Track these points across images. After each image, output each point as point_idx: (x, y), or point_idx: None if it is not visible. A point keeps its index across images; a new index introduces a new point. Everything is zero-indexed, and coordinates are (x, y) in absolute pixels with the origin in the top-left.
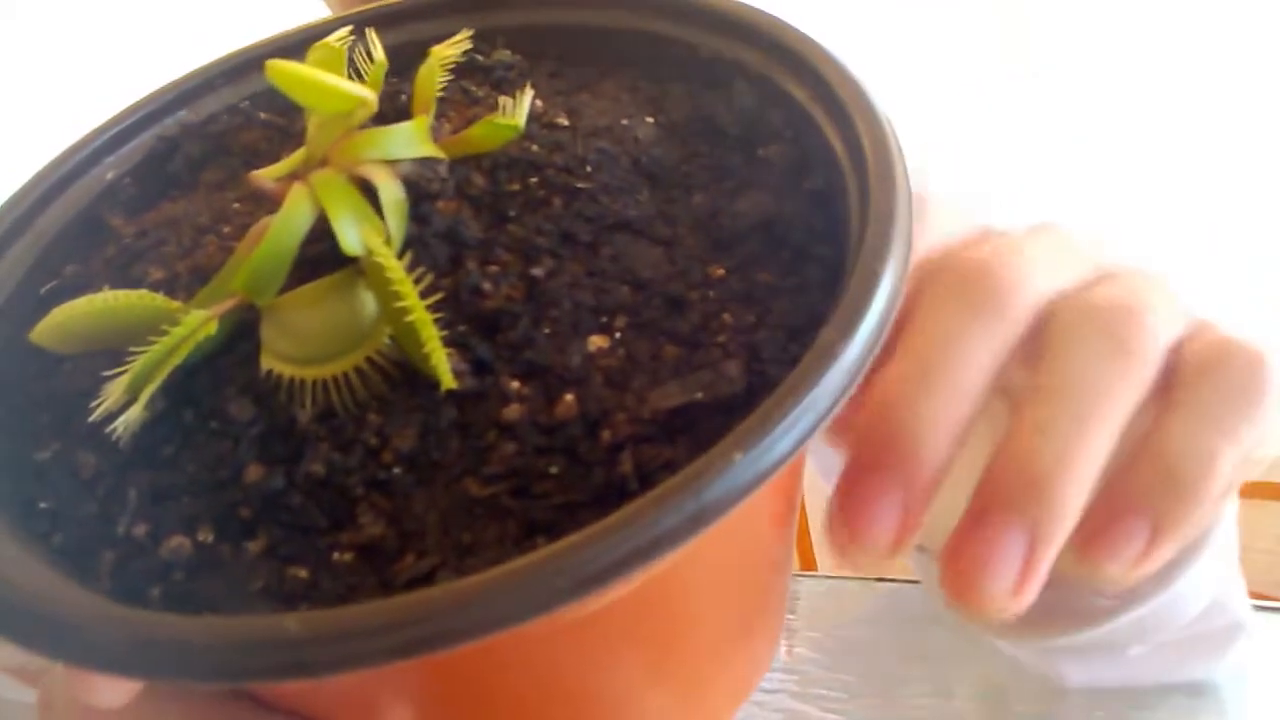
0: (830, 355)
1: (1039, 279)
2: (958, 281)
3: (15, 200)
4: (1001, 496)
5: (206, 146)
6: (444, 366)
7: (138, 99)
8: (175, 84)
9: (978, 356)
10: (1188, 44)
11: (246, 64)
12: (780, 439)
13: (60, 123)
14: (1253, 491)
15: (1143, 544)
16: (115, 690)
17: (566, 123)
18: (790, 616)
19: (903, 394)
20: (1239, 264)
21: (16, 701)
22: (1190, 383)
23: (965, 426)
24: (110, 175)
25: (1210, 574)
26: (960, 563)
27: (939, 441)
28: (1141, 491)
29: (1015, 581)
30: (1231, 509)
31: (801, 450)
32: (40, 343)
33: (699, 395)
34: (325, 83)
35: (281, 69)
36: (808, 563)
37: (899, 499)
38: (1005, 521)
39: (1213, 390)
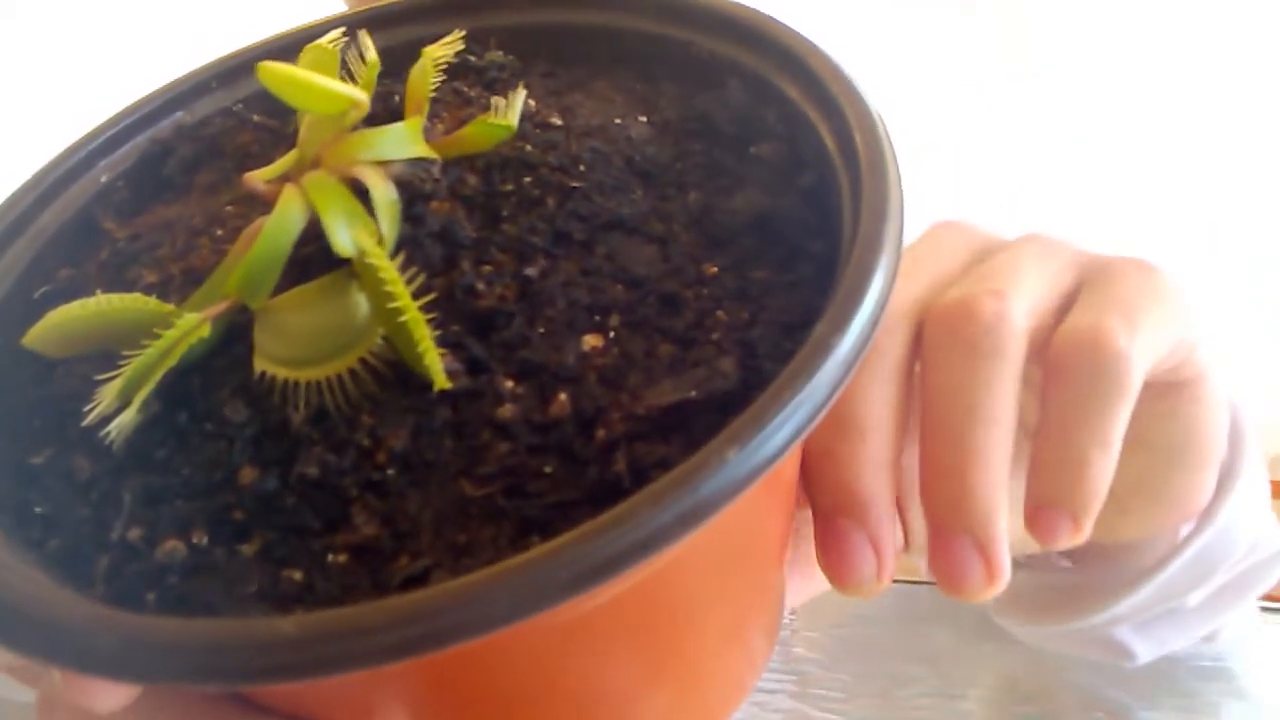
0: (825, 350)
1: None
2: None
3: (10, 204)
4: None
5: (200, 149)
6: (437, 366)
7: (132, 102)
8: (169, 86)
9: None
10: (1188, 44)
11: (240, 66)
12: (775, 434)
13: (58, 123)
14: None
15: (1067, 526)
16: (113, 694)
17: (560, 122)
18: (790, 616)
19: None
20: (1239, 264)
21: (17, 702)
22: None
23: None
24: (105, 178)
25: (1251, 501)
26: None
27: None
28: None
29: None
30: (1257, 440)
31: (797, 445)
32: (34, 347)
33: (693, 393)
34: (316, 84)
35: (273, 71)
36: None
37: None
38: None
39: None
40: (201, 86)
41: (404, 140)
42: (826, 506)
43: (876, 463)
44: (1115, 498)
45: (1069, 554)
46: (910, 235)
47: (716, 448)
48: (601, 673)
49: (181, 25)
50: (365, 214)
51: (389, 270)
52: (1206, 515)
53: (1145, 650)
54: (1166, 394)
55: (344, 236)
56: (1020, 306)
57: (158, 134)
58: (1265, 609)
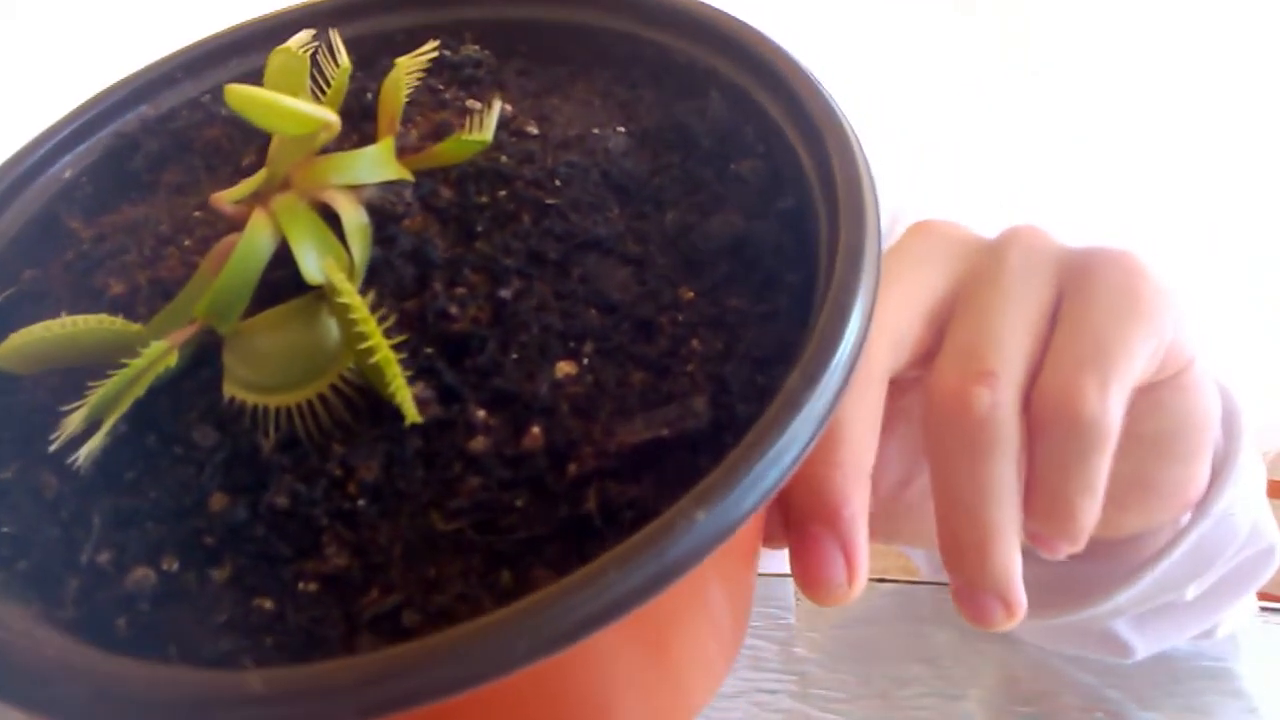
0: (795, 407)
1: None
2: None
3: None
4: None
5: (167, 144)
6: (409, 405)
7: (96, 93)
8: (134, 77)
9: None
10: (1187, 43)
11: (207, 56)
12: (744, 496)
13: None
14: None
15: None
16: None
17: (536, 131)
18: (790, 617)
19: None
20: (1239, 263)
21: None
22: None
23: (868, 460)
24: (68, 174)
25: (1248, 489)
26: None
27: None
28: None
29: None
30: (1252, 433)
31: (766, 503)
32: (0, 366)
33: (665, 431)
34: (286, 106)
35: (241, 94)
36: None
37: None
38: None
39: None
40: (167, 77)
41: (376, 164)
42: (799, 512)
43: (851, 471)
44: (1112, 495)
45: None
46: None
47: (684, 509)
48: (572, 709)
49: (176, 20)
50: (335, 240)
51: (360, 309)
52: (1204, 504)
53: (1143, 645)
54: (1153, 390)
55: (313, 264)
56: (1009, 389)
57: (123, 128)
58: (1265, 609)
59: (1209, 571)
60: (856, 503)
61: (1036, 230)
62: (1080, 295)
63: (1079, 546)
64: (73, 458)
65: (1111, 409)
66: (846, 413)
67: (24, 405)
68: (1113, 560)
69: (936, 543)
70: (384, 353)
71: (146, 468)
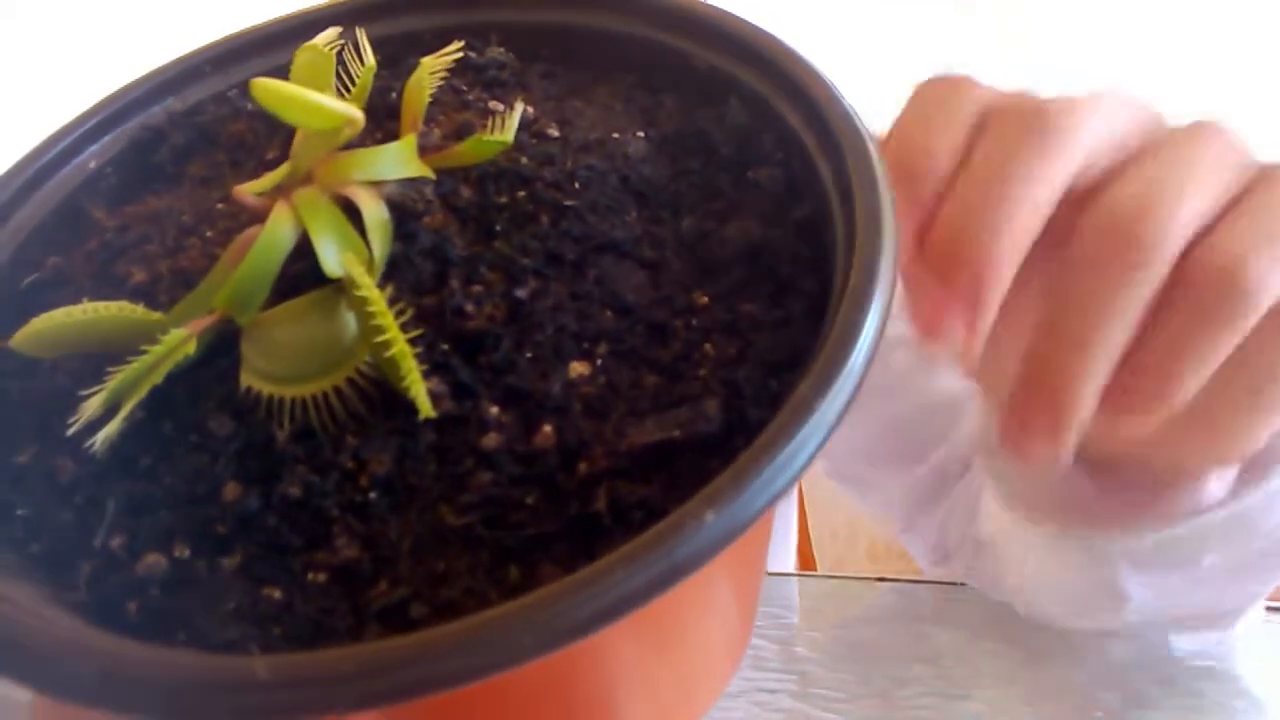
0: (806, 412)
1: (1091, 125)
2: (1016, 118)
3: None
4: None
5: (192, 137)
6: (424, 399)
7: (123, 85)
8: (161, 70)
9: (1032, 185)
10: (1187, 44)
11: (234, 51)
12: (753, 499)
13: (55, 117)
14: None
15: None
16: None
17: (557, 134)
18: (791, 616)
19: (967, 209)
20: None
21: (21, 701)
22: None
23: (1023, 241)
24: (94, 164)
25: None
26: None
27: (1001, 253)
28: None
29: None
30: None
31: (774, 506)
32: (20, 349)
33: (676, 433)
34: (311, 101)
35: (267, 87)
36: (807, 563)
37: (963, 314)
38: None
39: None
40: (194, 71)
41: (398, 161)
42: (939, 274)
43: (1015, 249)
44: (1185, 413)
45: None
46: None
47: (693, 510)
48: (576, 706)
49: (179, 16)
50: (356, 235)
51: (378, 302)
52: (1260, 475)
53: (1140, 594)
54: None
55: (333, 258)
56: (1177, 232)
57: (149, 120)
58: (1270, 608)
59: (1235, 544)
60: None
61: (1232, 137)
62: (1266, 184)
63: (1162, 413)
64: (89, 442)
65: (1273, 285)
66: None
67: (43, 390)
68: (1151, 495)
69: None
70: (400, 346)
71: (162, 455)
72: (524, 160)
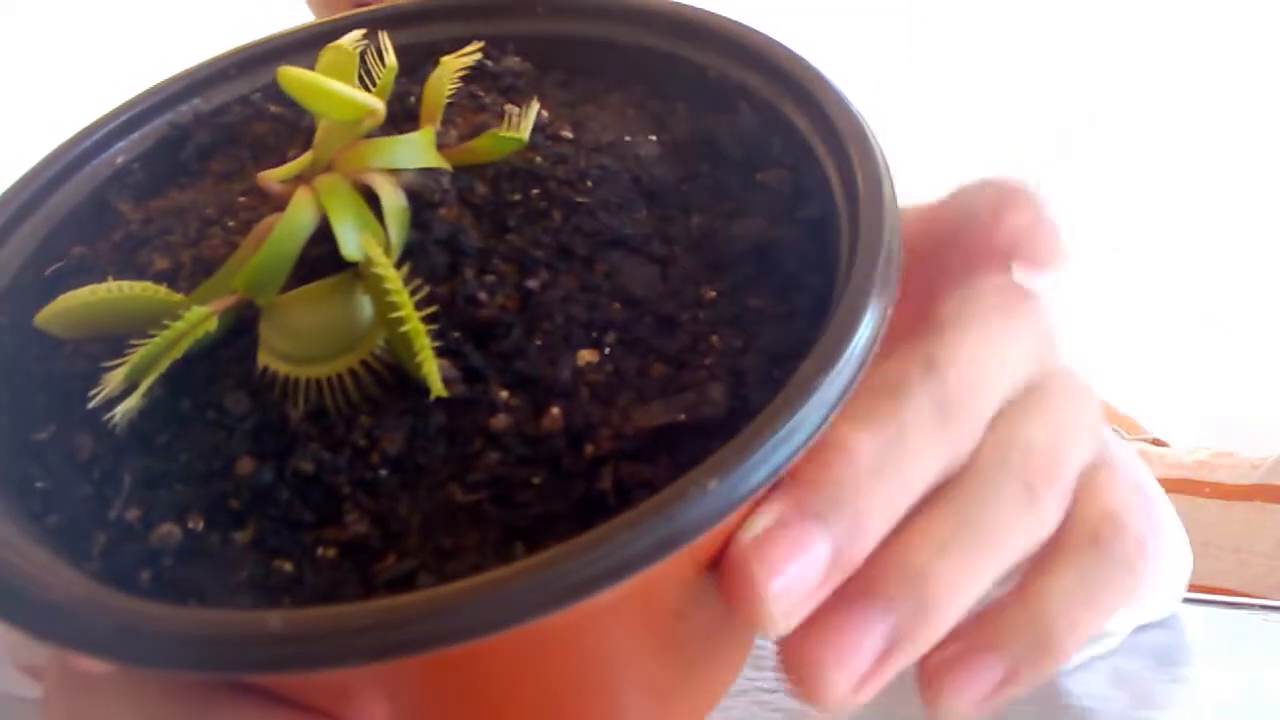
0: (809, 389)
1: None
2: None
3: (25, 181)
4: (877, 587)
5: (216, 136)
6: (435, 376)
7: (152, 85)
8: (189, 72)
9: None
10: (1187, 42)
11: (261, 56)
12: (755, 469)
13: (58, 117)
14: (1253, 494)
15: (992, 687)
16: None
17: (571, 136)
18: None
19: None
20: (1238, 263)
21: (25, 698)
22: (1079, 547)
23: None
24: (121, 160)
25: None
26: (808, 643)
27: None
28: (1008, 636)
29: (864, 674)
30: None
31: (777, 479)
32: (44, 328)
33: (681, 416)
34: (335, 91)
35: (293, 76)
36: None
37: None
38: (871, 611)
39: (1098, 566)
40: (221, 73)
41: (417, 150)
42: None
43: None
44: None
45: None
46: None
47: (697, 477)
48: (586, 675)
49: (185, 19)
50: (374, 220)
51: (394, 280)
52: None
53: None
54: None
55: (352, 242)
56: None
57: (176, 118)
58: (1268, 607)
59: None
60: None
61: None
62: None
63: (998, 700)
64: (109, 417)
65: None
66: None
67: (65, 369)
68: None
69: None
70: (414, 324)
71: (179, 431)
72: (538, 159)
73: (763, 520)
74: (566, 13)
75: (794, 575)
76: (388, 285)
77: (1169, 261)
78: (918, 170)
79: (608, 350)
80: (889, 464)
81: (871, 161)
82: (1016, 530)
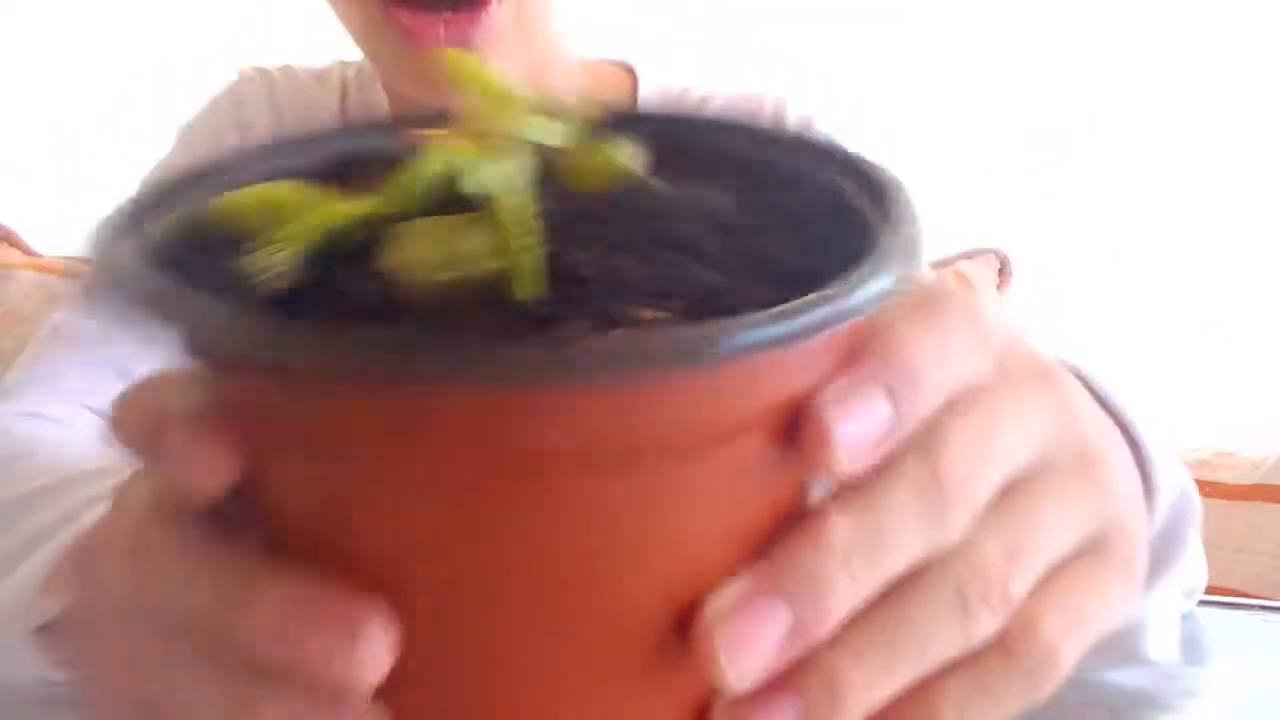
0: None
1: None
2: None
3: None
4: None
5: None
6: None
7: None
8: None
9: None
10: (1187, 42)
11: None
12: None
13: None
14: (1253, 494)
15: None
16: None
17: (662, 184)
18: None
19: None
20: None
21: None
22: (986, 652)
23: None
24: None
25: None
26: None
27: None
28: None
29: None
30: None
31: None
32: (214, 221)
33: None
34: (492, 80)
35: (460, 62)
36: None
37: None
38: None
39: (1003, 674)
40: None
41: (552, 132)
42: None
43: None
44: None
45: None
46: None
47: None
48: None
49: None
50: (509, 170)
51: (526, 209)
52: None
53: None
54: None
55: (488, 174)
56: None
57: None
58: (1268, 608)
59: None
60: None
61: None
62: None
63: None
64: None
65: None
66: None
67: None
68: None
69: None
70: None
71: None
72: (634, 192)
73: (729, 595)
74: (679, 125)
75: (754, 652)
76: (520, 214)
77: (1169, 262)
78: (916, 170)
79: (669, 311)
80: (863, 551)
81: (906, 217)
82: (946, 644)
